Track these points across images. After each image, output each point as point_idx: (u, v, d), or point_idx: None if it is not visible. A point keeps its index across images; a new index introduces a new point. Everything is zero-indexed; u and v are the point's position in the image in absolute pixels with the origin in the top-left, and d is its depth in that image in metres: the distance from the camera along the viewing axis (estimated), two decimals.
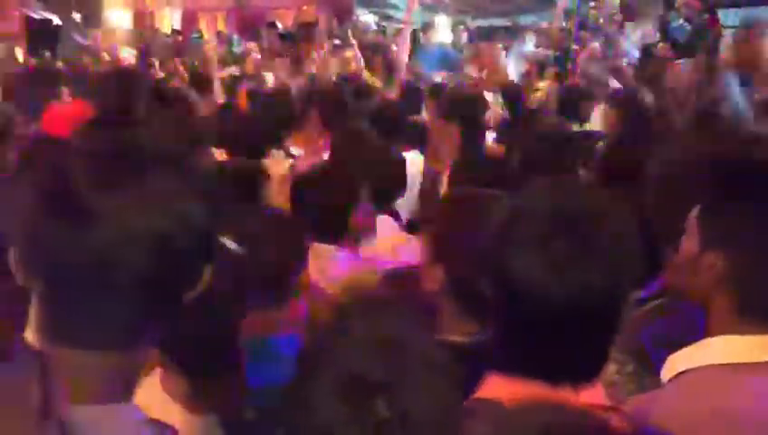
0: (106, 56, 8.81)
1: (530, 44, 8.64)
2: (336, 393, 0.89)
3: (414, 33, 9.92)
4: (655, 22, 8.53)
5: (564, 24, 9.56)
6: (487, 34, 10.75)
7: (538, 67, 6.87)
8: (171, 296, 0.92)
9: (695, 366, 1.20)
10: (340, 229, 2.32)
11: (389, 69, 6.88)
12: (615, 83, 5.73)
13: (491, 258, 1.11)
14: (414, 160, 3.72)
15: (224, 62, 8.35)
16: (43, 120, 3.58)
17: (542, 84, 6.31)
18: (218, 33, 12.01)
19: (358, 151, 2.85)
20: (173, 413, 1.38)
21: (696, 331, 1.23)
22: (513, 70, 7.24)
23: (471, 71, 7.45)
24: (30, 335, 1.13)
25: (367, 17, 13.06)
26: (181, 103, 3.81)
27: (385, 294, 1.64)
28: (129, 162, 0.90)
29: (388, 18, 13.02)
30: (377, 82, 6.84)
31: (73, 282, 0.88)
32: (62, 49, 9.64)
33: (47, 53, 8.89)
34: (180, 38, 11.36)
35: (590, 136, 3.72)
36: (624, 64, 6.69)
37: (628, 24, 8.75)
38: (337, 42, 8.97)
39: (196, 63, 8.68)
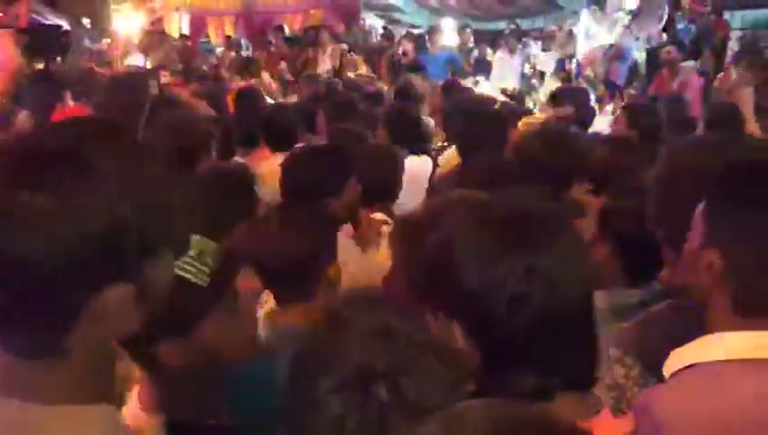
0: (116, 62, 8.83)
1: (535, 48, 8.65)
2: (341, 385, 0.93)
3: (419, 37, 9.93)
4: (661, 23, 8.53)
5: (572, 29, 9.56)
6: (492, 38, 10.74)
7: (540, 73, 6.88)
8: (82, 299, 0.83)
9: (693, 362, 1.19)
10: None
11: (395, 71, 6.90)
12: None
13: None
14: (423, 164, 3.75)
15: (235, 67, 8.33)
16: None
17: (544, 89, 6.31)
18: (227, 38, 12.08)
19: (349, 147, 2.83)
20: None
21: (702, 333, 1.23)
22: (516, 73, 7.24)
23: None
24: None
25: (374, 21, 13.11)
26: (184, 108, 3.83)
27: (379, 293, 1.63)
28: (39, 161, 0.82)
29: (395, 22, 13.04)
30: (383, 86, 6.87)
31: None
32: (72, 56, 9.65)
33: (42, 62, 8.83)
34: (189, 43, 11.39)
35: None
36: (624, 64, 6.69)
37: (634, 25, 8.75)
38: (345, 45, 9.00)
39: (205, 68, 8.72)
